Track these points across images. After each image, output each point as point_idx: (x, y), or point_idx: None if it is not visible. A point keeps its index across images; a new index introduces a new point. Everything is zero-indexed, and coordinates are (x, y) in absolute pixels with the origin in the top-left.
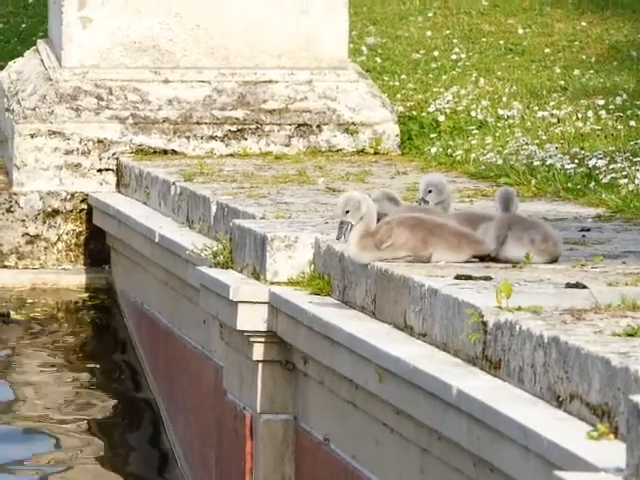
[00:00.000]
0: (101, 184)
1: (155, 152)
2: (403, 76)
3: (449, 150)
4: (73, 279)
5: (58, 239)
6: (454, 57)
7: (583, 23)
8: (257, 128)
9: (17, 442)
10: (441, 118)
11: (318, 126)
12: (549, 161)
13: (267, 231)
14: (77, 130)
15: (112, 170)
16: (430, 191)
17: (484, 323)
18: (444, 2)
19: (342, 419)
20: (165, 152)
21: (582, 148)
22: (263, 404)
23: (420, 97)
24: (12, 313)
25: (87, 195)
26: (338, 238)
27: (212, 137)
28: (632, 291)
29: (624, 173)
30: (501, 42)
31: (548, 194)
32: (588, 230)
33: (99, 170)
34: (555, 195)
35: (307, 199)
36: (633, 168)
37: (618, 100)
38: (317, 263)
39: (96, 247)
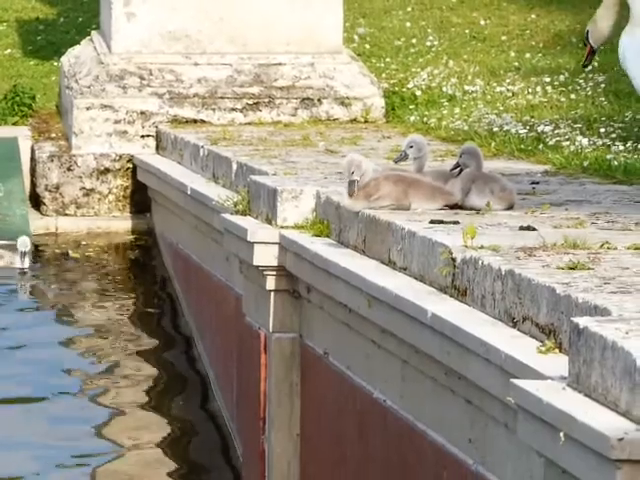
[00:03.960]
0: (143, 147)
1: (187, 121)
2: (387, 59)
3: (425, 118)
4: (121, 224)
5: (109, 192)
6: (428, 44)
7: (533, 15)
8: (269, 102)
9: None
10: (418, 93)
11: (319, 100)
12: (505, 127)
13: (277, 185)
14: (124, 104)
15: (152, 136)
16: (411, 146)
17: (453, 259)
18: None
19: (338, 337)
20: (195, 121)
21: (532, 117)
22: (275, 325)
23: (401, 76)
24: (70, 252)
25: (132, 156)
26: (350, 194)
27: (233, 109)
28: (573, 232)
29: (566, 137)
30: (467, 31)
31: (505, 154)
32: (537, 183)
33: (142, 136)
34: (510, 155)
35: (310, 159)
36: (573, 132)
37: (561, 77)
38: (318, 211)
39: (140, 198)
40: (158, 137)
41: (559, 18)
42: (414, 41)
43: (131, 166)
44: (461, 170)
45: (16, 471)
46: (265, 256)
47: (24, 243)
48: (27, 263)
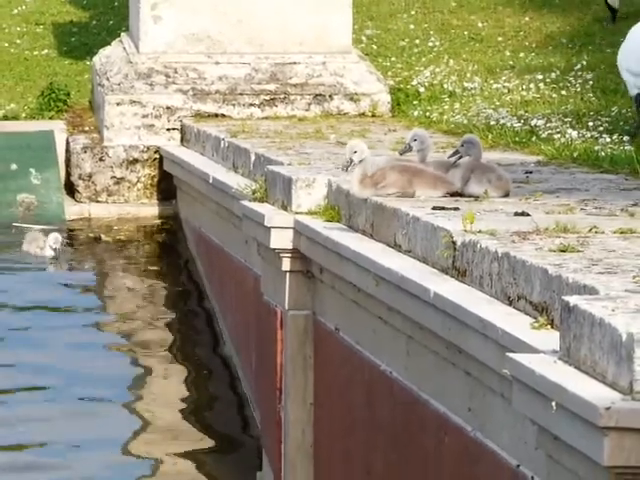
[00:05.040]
0: (169, 140)
1: (209, 116)
2: (393, 58)
3: (427, 113)
4: (149, 210)
5: (138, 181)
6: (430, 44)
7: (526, 18)
8: (285, 98)
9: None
10: (421, 89)
11: (330, 96)
12: (501, 121)
13: (292, 174)
14: (151, 99)
15: (177, 129)
16: (415, 140)
17: (454, 242)
18: (423, 3)
19: (348, 314)
20: (216, 116)
21: (526, 111)
22: (290, 303)
23: (405, 74)
24: (103, 236)
25: (159, 148)
26: (342, 169)
27: (251, 104)
28: (564, 218)
29: (558, 130)
30: (465, 33)
31: (501, 146)
32: (531, 172)
33: (167, 129)
34: (506, 146)
35: (322, 150)
36: (564, 126)
37: (553, 75)
38: (330, 198)
39: (166, 186)
40: (182, 130)
41: (550, 20)
42: (417, 42)
43: (158, 157)
44: (459, 157)
45: (41, 414)
46: (281, 240)
47: (56, 239)
48: (58, 253)
